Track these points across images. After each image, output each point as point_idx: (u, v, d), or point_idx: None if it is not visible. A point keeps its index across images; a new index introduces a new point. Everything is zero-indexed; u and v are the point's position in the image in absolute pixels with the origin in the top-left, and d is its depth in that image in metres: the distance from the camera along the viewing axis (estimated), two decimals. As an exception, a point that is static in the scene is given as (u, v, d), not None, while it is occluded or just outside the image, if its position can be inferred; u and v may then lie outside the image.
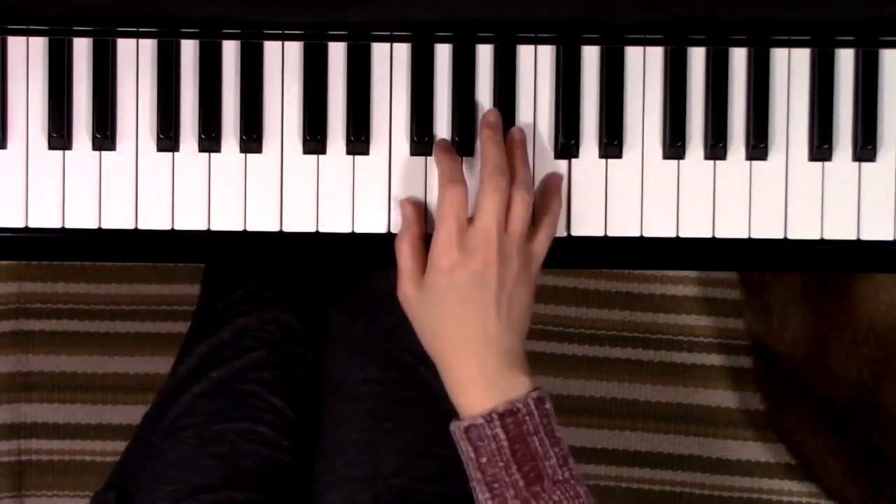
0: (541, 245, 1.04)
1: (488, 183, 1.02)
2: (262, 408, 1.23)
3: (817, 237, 1.10)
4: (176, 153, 1.09)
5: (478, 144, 1.08)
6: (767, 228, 1.10)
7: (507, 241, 1.01)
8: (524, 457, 0.98)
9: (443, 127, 1.10)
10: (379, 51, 1.10)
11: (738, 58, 1.10)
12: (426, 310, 1.03)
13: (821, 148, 1.10)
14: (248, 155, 1.10)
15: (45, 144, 1.09)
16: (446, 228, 1.02)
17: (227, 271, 1.33)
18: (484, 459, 0.98)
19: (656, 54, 1.10)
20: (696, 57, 1.10)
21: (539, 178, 1.09)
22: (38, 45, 1.09)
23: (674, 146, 1.10)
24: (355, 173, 1.10)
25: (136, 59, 1.09)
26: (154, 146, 1.09)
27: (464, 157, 1.09)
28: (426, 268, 1.03)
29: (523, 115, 1.10)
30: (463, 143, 1.09)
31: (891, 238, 1.11)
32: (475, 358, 1.01)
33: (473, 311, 1.01)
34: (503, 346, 1.01)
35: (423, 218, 1.06)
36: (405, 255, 1.04)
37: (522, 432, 0.98)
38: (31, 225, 1.09)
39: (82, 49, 1.09)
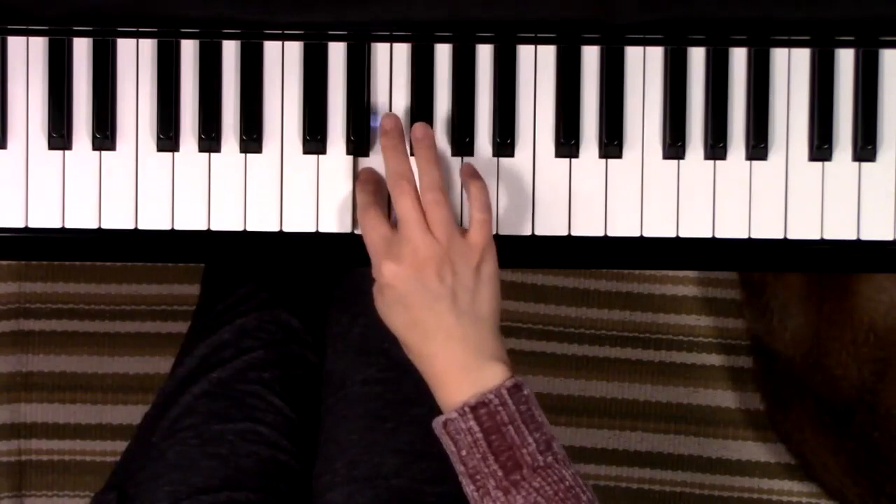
0: (477, 235, 1.03)
1: (392, 191, 1.04)
2: (262, 408, 1.23)
3: (817, 237, 1.10)
4: (176, 153, 1.09)
5: (476, 145, 1.09)
6: (767, 228, 1.10)
7: (432, 240, 1.02)
8: (500, 447, 0.98)
9: (442, 127, 1.10)
10: (379, 51, 1.10)
11: (738, 58, 1.10)
12: (388, 319, 1.05)
13: (821, 148, 1.10)
14: (248, 155, 1.10)
15: (45, 144, 1.09)
16: (371, 250, 1.04)
17: (227, 271, 1.33)
18: (464, 452, 0.99)
19: (656, 54, 1.10)
20: (696, 57, 1.10)
21: (540, 179, 1.09)
22: (38, 45, 1.09)
23: (674, 146, 1.10)
24: (355, 173, 1.09)
25: (136, 59, 1.09)
26: (154, 146, 1.09)
27: (464, 158, 1.09)
28: None
29: (523, 115, 1.10)
30: (463, 144, 1.09)
31: (891, 238, 1.11)
32: (442, 354, 1.02)
33: (424, 312, 1.02)
34: (468, 339, 1.02)
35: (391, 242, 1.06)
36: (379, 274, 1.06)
37: (496, 422, 0.99)
38: (31, 225, 1.09)
39: (82, 49, 1.09)
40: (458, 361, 1.01)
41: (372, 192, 1.07)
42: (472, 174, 1.07)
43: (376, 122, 1.09)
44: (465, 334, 1.02)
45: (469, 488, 0.99)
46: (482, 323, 1.03)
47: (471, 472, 0.99)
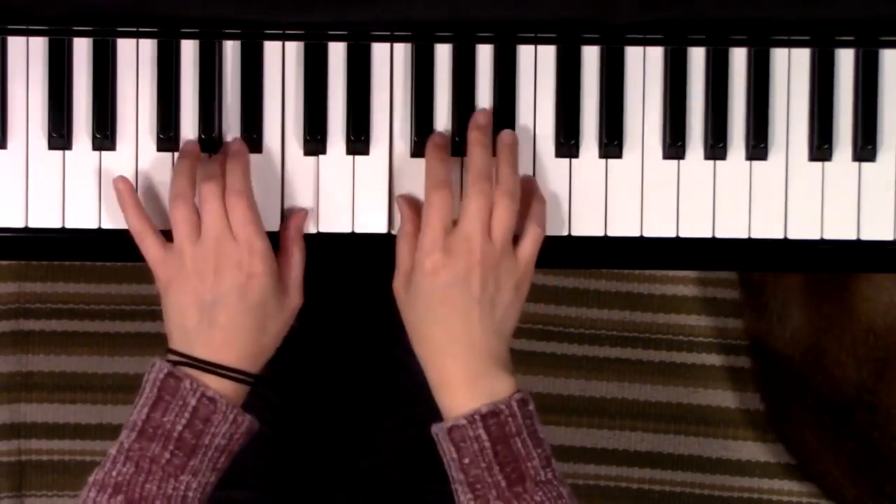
0: (527, 251, 1.03)
1: (472, 187, 1.02)
2: (265, 408, 1.23)
3: (817, 237, 1.10)
4: (176, 153, 1.09)
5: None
6: (767, 228, 1.10)
7: (490, 246, 1.01)
8: (506, 458, 0.98)
9: (443, 127, 1.10)
10: (379, 51, 1.10)
11: (738, 58, 1.10)
12: (413, 309, 1.03)
13: (821, 148, 1.10)
14: (249, 155, 1.09)
15: (45, 144, 1.09)
16: (430, 231, 1.02)
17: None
18: (466, 460, 0.98)
19: (656, 54, 1.10)
20: (696, 57, 1.10)
21: (540, 179, 1.09)
22: (38, 45, 1.09)
23: (674, 146, 1.10)
24: (355, 173, 1.10)
25: (136, 59, 1.09)
26: (154, 146, 1.09)
27: (463, 158, 1.09)
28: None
29: (523, 115, 1.10)
30: (462, 143, 1.09)
31: (891, 238, 1.11)
32: (458, 359, 1.01)
33: (456, 313, 1.01)
34: (487, 349, 1.01)
35: (419, 216, 1.06)
36: (403, 252, 1.05)
37: (505, 433, 0.98)
38: (31, 225, 1.09)
39: (82, 49, 1.09)
40: (471, 369, 1.01)
41: (449, 166, 1.05)
42: (536, 189, 1.07)
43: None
44: (487, 346, 1.01)
45: (465, 496, 0.98)
46: (502, 338, 1.02)
47: (471, 481, 0.98)
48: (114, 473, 0.98)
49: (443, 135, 1.08)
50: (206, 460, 0.99)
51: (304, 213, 1.08)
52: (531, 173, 1.10)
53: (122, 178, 1.06)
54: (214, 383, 1.01)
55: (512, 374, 1.01)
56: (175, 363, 1.01)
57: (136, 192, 1.07)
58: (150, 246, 1.04)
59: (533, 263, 1.04)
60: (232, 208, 1.02)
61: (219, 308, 1.01)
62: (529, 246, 1.03)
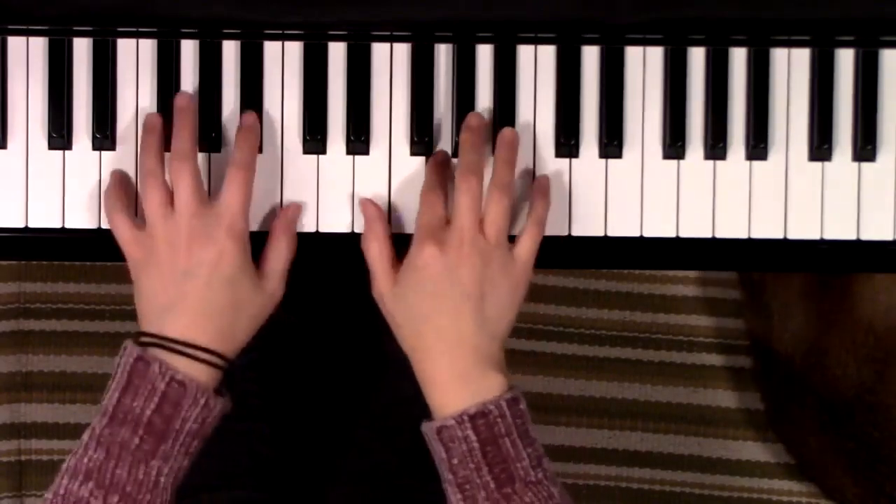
0: (524, 249, 1.03)
1: (459, 183, 1.02)
2: (262, 407, 1.23)
3: (817, 237, 1.10)
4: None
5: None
6: (767, 228, 1.10)
7: (483, 241, 1.00)
8: (495, 458, 0.97)
9: (442, 127, 1.10)
10: (379, 51, 1.10)
11: (738, 58, 1.10)
12: (401, 307, 1.02)
13: (821, 148, 1.10)
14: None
15: (45, 144, 1.09)
16: (422, 226, 1.01)
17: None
18: (455, 461, 0.98)
19: (656, 54, 1.10)
20: (696, 57, 1.10)
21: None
22: (38, 45, 1.09)
23: (674, 146, 1.10)
24: (355, 173, 1.10)
25: (136, 59, 1.09)
26: (154, 146, 1.09)
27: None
28: (400, 265, 1.03)
29: (523, 115, 1.10)
30: (463, 143, 1.09)
31: (891, 238, 1.11)
32: (447, 356, 1.00)
33: (446, 307, 1.00)
34: (477, 347, 1.00)
35: (385, 216, 1.06)
36: (374, 254, 1.04)
37: (494, 434, 0.97)
38: (31, 225, 1.09)
39: (82, 49, 1.09)
40: (461, 368, 1.00)
41: (442, 172, 1.06)
42: (545, 191, 1.06)
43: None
44: (478, 345, 1.00)
45: (455, 497, 0.98)
46: (494, 337, 1.01)
47: (460, 482, 0.97)
48: (85, 459, 0.97)
49: (444, 152, 1.08)
50: (177, 445, 0.98)
51: (297, 206, 1.07)
52: (531, 173, 1.10)
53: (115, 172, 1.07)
54: (185, 367, 0.99)
55: (503, 373, 1.00)
56: (146, 345, 1.01)
57: (117, 179, 1.06)
58: (119, 225, 1.03)
59: (530, 264, 1.03)
60: (232, 179, 1.02)
61: (189, 281, 1.00)
62: (526, 245, 1.03)
